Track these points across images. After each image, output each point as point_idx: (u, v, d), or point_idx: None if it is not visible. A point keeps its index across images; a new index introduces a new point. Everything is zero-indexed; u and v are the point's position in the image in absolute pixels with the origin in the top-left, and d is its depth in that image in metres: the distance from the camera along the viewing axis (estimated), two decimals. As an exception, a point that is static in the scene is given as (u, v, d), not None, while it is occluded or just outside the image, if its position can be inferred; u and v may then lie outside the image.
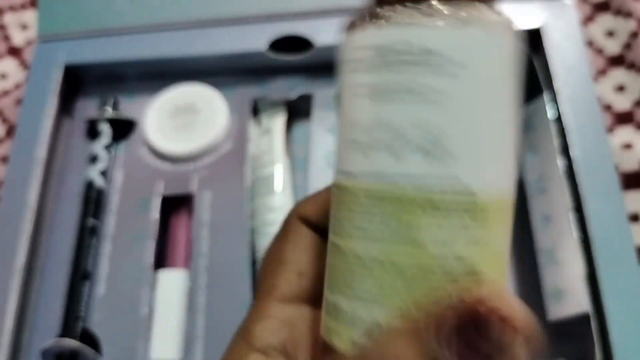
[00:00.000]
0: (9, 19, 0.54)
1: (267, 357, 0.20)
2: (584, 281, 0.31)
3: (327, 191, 0.21)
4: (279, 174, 0.38)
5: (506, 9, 0.38)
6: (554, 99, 0.36)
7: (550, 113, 0.36)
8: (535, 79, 0.39)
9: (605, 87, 0.45)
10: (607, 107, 0.44)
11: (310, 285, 0.21)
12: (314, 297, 0.21)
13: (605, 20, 0.47)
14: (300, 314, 0.21)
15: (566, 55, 0.38)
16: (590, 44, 0.46)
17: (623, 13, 0.46)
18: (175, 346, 0.34)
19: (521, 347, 0.15)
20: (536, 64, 0.38)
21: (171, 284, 0.36)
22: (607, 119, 0.43)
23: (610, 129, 0.43)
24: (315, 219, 0.22)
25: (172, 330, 0.34)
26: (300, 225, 0.22)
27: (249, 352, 0.20)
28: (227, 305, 0.34)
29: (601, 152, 0.34)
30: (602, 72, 0.45)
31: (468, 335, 0.15)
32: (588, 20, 0.47)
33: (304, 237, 0.22)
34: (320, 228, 0.22)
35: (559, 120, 0.36)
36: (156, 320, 0.35)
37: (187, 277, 0.35)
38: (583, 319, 0.31)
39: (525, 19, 0.39)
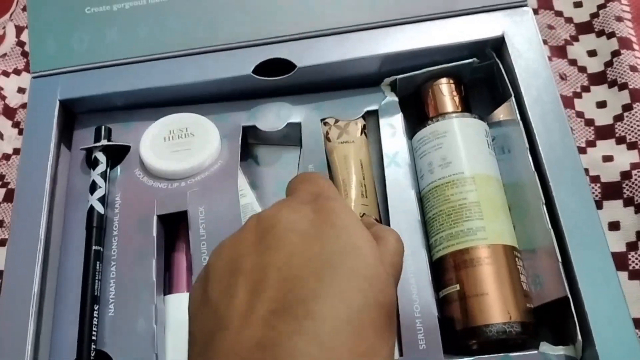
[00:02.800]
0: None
1: None
2: (560, 267, 0.34)
3: None
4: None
5: (470, 19, 0.41)
6: (520, 101, 0.39)
7: (518, 115, 0.39)
8: (502, 84, 0.42)
9: (588, 103, 0.47)
10: (590, 122, 0.46)
11: None
12: None
13: (589, 40, 0.50)
14: None
15: (529, 59, 0.41)
16: (574, 62, 0.49)
17: (605, 33, 0.49)
18: None
19: None
20: (502, 69, 0.41)
21: (179, 307, 0.38)
22: (590, 133, 0.46)
23: (592, 143, 0.45)
24: None
25: (183, 349, 0.36)
26: None
27: None
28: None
29: (566, 147, 0.37)
30: (585, 89, 0.48)
31: None
32: (573, 39, 0.50)
33: None
34: None
35: (525, 120, 0.39)
36: (168, 344, 0.37)
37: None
38: (563, 303, 0.34)
39: (488, 27, 0.42)
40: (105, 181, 0.41)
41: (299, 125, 0.43)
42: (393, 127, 0.42)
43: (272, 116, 0.43)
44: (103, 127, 0.43)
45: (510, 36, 0.41)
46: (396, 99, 0.43)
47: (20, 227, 0.39)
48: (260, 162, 0.45)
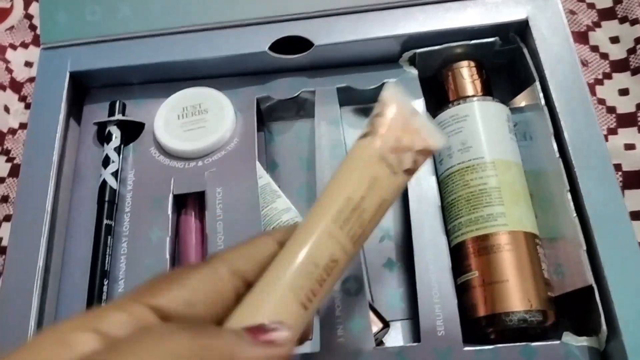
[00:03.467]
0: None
1: (95, 338, 0.19)
2: (584, 256, 0.33)
3: (253, 244, 0.24)
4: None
5: (494, 1, 0.40)
6: (545, 86, 0.38)
7: (542, 100, 0.38)
8: (525, 68, 0.41)
9: (610, 90, 0.46)
10: (612, 109, 0.45)
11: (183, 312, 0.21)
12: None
13: (611, 27, 0.48)
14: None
15: (554, 43, 0.40)
16: (596, 48, 0.48)
17: (629, 20, 0.48)
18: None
19: None
20: (526, 53, 0.40)
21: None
22: (611, 121, 0.45)
23: (613, 131, 0.44)
24: (241, 268, 0.23)
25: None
26: (220, 266, 0.23)
27: (82, 331, 0.19)
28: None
29: (592, 134, 0.36)
30: (607, 76, 0.47)
31: None
32: (595, 25, 0.49)
33: (219, 280, 0.22)
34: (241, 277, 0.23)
35: (550, 105, 0.38)
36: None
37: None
38: (586, 293, 0.33)
39: (512, 10, 0.41)
40: (119, 156, 0.40)
41: (313, 93, 0.42)
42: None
43: (286, 85, 0.42)
44: (118, 101, 0.42)
45: (534, 20, 0.40)
46: (416, 72, 0.42)
47: (26, 202, 0.38)
48: (275, 137, 0.44)
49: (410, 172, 0.25)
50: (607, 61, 0.47)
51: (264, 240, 0.24)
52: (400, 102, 0.25)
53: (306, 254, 0.23)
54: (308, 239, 0.23)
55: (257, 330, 0.21)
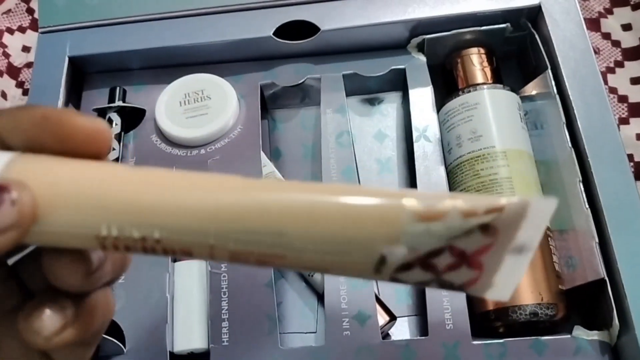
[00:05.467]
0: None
1: None
2: (597, 248, 0.32)
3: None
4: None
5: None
6: (557, 73, 0.37)
7: (554, 88, 0.37)
8: (537, 56, 0.40)
9: (622, 79, 0.45)
10: (623, 98, 0.44)
11: None
12: None
13: (623, 14, 0.47)
14: None
15: (566, 30, 0.38)
16: (608, 35, 0.46)
17: None
18: (198, 335, 0.34)
19: None
20: (538, 40, 0.39)
21: (189, 274, 0.36)
22: (623, 110, 0.44)
23: (625, 120, 0.43)
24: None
25: (193, 319, 0.34)
26: None
27: None
28: (247, 288, 0.35)
29: (605, 123, 0.35)
30: (618, 64, 0.45)
31: None
32: (607, 12, 0.47)
33: None
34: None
35: (562, 94, 0.37)
36: (176, 311, 0.35)
37: (204, 266, 0.36)
38: (598, 286, 0.32)
39: (524, -4, 0.40)
40: (119, 143, 0.39)
41: (318, 80, 0.41)
42: (423, 99, 0.40)
43: (291, 72, 0.41)
44: (118, 87, 0.40)
45: (547, 5, 0.39)
46: (424, 59, 0.41)
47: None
48: (279, 124, 0.43)
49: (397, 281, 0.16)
50: (619, 49, 0.46)
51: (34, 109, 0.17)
52: (526, 223, 0.15)
53: (163, 206, 0.16)
54: (187, 222, 0.16)
55: None
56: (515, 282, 0.15)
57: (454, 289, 0.16)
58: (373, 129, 0.42)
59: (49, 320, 0.17)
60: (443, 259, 0.15)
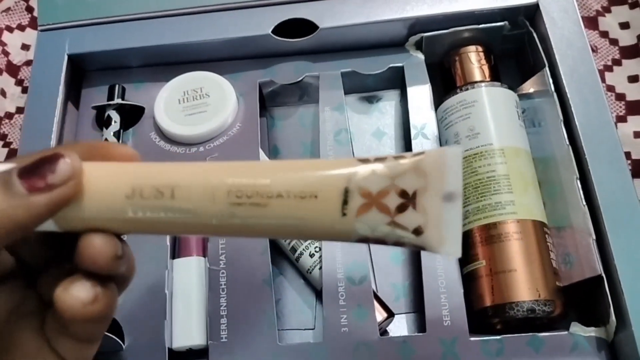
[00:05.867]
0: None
1: None
2: (594, 245, 0.32)
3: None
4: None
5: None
6: (555, 71, 0.38)
7: (552, 86, 0.37)
8: (534, 54, 0.40)
9: (619, 77, 0.45)
10: (621, 96, 0.44)
11: None
12: None
13: (621, 12, 0.47)
14: None
15: (564, 28, 0.39)
16: (605, 34, 0.46)
17: (639, 5, 0.46)
18: (197, 331, 0.34)
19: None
20: (535, 38, 0.39)
21: (188, 271, 0.36)
22: (620, 108, 0.44)
23: (622, 118, 0.43)
24: None
25: (192, 316, 0.35)
26: None
27: None
28: (246, 285, 0.35)
29: (603, 120, 0.36)
30: (616, 62, 0.45)
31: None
32: (604, 10, 0.47)
33: None
34: None
35: (560, 91, 0.37)
36: (175, 308, 0.35)
37: (203, 263, 0.36)
38: (595, 283, 0.32)
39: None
40: (118, 141, 0.39)
41: (317, 78, 0.41)
42: (421, 96, 0.40)
43: (290, 70, 0.41)
44: (117, 85, 0.41)
45: (545, 4, 0.39)
46: (422, 57, 0.41)
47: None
48: (277, 122, 0.43)
49: (366, 237, 0.20)
50: (616, 47, 0.46)
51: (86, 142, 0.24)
52: (446, 172, 0.19)
53: (175, 176, 0.20)
54: (193, 173, 0.20)
55: (31, 173, 0.19)
56: (458, 234, 0.20)
57: (412, 244, 0.20)
58: (371, 126, 0.42)
59: (85, 290, 0.20)
60: (392, 199, 0.20)
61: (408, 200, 0.20)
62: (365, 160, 0.20)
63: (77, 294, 0.20)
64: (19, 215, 0.19)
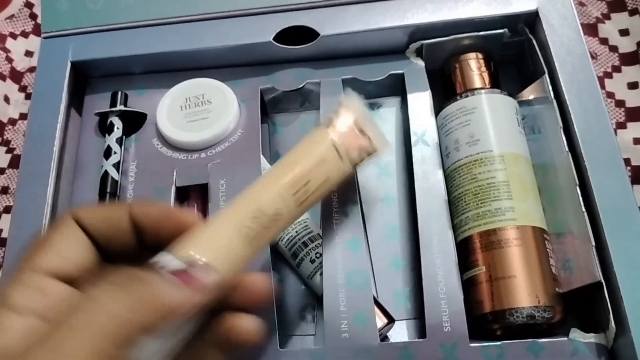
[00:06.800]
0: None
1: (21, 316, 0.22)
2: (593, 252, 0.33)
3: (109, 208, 0.28)
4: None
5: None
6: (554, 78, 0.38)
7: (551, 93, 0.37)
8: (534, 61, 0.40)
9: (619, 84, 0.45)
10: (620, 103, 0.44)
11: (68, 269, 0.24)
12: (70, 280, 0.24)
13: (621, 19, 0.48)
14: (55, 287, 0.24)
15: (564, 35, 0.39)
16: (605, 41, 0.47)
17: (639, 12, 0.47)
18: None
19: None
20: (535, 45, 0.40)
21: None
22: (620, 115, 0.44)
23: (622, 125, 0.44)
24: (88, 222, 0.26)
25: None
26: (72, 222, 0.25)
27: (5, 312, 0.22)
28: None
29: (602, 127, 0.36)
30: (616, 69, 0.46)
31: None
32: (604, 17, 0.48)
33: (73, 230, 0.25)
34: (89, 232, 0.26)
35: (559, 98, 0.37)
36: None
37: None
38: (594, 289, 0.33)
39: (522, 1, 0.40)
40: (120, 147, 0.39)
41: (318, 84, 0.41)
42: (421, 103, 0.40)
43: (291, 77, 0.41)
44: (120, 91, 0.41)
45: (544, 11, 0.40)
46: (422, 64, 0.41)
47: (26, 193, 0.38)
48: (279, 128, 0.43)
49: (354, 164, 0.32)
50: (616, 54, 0.46)
51: (119, 207, 0.27)
52: (358, 107, 0.33)
53: (256, 201, 0.28)
54: (261, 192, 0.29)
55: (183, 273, 0.23)
56: (382, 135, 0.33)
57: (369, 151, 0.33)
58: (372, 133, 0.42)
59: (252, 321, 0.27)
60: (354, 136, 0.32)
61: (362, 132, 0.32)
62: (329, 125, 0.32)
63: (249, 325, 0.26)
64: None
